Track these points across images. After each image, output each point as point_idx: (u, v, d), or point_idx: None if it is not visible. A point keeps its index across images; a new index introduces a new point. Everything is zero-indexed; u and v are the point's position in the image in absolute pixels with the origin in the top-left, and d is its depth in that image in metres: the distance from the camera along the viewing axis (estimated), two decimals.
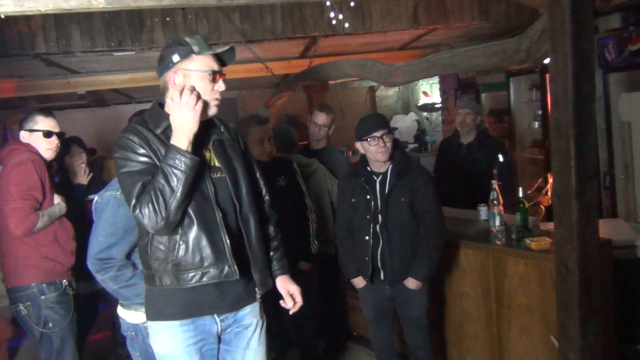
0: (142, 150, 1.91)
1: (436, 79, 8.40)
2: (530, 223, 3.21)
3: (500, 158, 4.02)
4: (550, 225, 3.05)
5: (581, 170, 2.11)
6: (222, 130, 2.09)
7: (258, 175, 2.24)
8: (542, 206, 4.55)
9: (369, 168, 2.92)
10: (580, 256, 2.14)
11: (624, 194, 3.94)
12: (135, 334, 2.37)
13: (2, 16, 1.44)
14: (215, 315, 2.04)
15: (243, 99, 9.77)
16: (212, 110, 2.00)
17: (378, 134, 2.78)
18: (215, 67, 1.96)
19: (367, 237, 2.87)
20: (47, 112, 3.13)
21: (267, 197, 2.26)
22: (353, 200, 2.93)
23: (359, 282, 2.97)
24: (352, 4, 4.29)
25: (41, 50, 4.18)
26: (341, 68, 3.99)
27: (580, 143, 2.09)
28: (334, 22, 4.30)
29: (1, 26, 4.02)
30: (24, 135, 3.01)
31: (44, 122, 3.02)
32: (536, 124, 6.13)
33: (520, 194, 3.17)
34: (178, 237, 1.95)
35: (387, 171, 2.87)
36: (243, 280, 2.03)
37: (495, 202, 3.11)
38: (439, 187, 4.58)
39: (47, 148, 3.01)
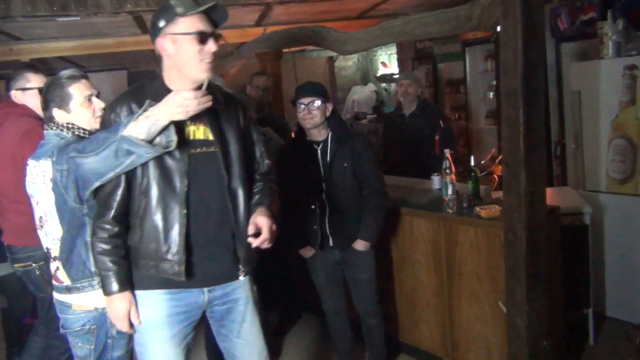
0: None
1: (394, 50, 8.38)
2: (482, 192, 3.24)
3: (441, 124, 4.13)
4: (501, 194, 3.08)
5: (530, 138, 2.12)
6: (219, 98, 2.00)
7: (256, 144, 2.19)
8: (495, 175, 4.63)
9: (307, 138, 2.93)
10: (528, 223, 2.16)
11: (574, 163, 4.02)
12: (97, 326, 2.22)
13: None
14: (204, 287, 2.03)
15: None
16: (202, 75, 1.87)
17: (305, 101, 2.83)
18: (203, 27, 1.85)
19: (313, 206, 2.89)
20: (36, 68, 3.05)
21: (265, 162, 2.21)
22: (295, 171, 2.94)
23: (308, 251, 2.99)
24: None
25: None
26: (295, 35, 3.91)
27: (529, 111, 2.10)
28: None
29: None
30: (15, 95, 2.94)
31: (36, 79, 2.95)
32: (491, 94, 6.18)
33: (472, 163, 3.20)
34: (137, 222, 1.94)
35: (327, 139, 2.90)
36: (231, 256, 2.02)
37: (447, 171, 3.12)
38: (389, 159, 4.65)
39: None
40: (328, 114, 2.89)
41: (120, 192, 1.94)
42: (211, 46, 1.86)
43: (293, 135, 3.57)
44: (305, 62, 9.59)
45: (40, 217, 2.23)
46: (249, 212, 2.04)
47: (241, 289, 2.10)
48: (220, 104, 2.01)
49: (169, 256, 1.92)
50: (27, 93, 2.93)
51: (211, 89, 1.96)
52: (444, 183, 3.15)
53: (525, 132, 2.10)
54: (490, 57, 6.05)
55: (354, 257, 2.94)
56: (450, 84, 7.02)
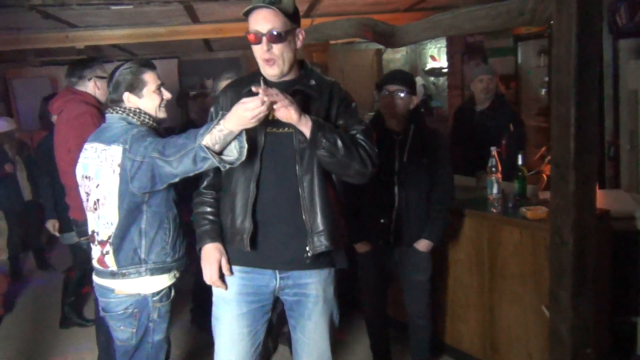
0: None
1: (444, 43, 8.23)
2: (529, 192, 3.15)
3: (512, 128, 3.90)
4: (549, 195, 2.98)
5: (580, 138, 2.04)
6: (310, 82, 2.03)
7: (356, 131, 2.03)
8: (544, 175, 4.48)
9: (387, 127, 2.84)
10: (575, 226, 2.09)
11: (628, 164, 3.86)
12: (140, 309, 2.26)
13: None
14: (277, 271, 2.05)
15: (247, 59, 9.61)
16: (267, 73, 1.97)
17: (390, 88, 2.75)
18: (257, 26, 1.90)
19: (383, 200, 2.81)
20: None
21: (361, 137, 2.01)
22: None
23: (363, 246, 2.92)
24: None
25: (36, 2, 4.06)
26: (342, 27, 3.88)
27: (580, 109, 2.02)
28: None
29: None
30: (96, 82, 3.09)
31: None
32: (543, 91, 6.00)
33: (519, 162, 3.11)
34: (220, 195, 2.10)
35: (407, 132, 2.81)
36: (303, 242, 1.98)
37: (493, 169, 3.03)
38: (452, 154, 4.50)
39: None
40: (412, 107, 2.80)
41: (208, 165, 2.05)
42: (263, 46, 1.90)
43: None
44: (353, 54, 9.52)
45: (97, 199, 2.24)
46: (326, 202, 1.99)
47: (314, 285, 2.07)
48: (312, 88, 2.03)
49: (238, 224, 1.99)
50: (102, 81, 3.08)
51: (306, 72, 2.06)
52: (489, 181, 3.07)
53: (575, 131, 2.02)
54: (544, 53, 5.86)
55: (413, 257, 2.86)
56: (500, 79, 6.81)
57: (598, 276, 2.32)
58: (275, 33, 1.89)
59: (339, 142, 1.90)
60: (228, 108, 1.92)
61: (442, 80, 9.01)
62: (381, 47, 9.48)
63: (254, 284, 2.06)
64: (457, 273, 3.19)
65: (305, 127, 1.88)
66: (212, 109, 2.11)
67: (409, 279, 2.96)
